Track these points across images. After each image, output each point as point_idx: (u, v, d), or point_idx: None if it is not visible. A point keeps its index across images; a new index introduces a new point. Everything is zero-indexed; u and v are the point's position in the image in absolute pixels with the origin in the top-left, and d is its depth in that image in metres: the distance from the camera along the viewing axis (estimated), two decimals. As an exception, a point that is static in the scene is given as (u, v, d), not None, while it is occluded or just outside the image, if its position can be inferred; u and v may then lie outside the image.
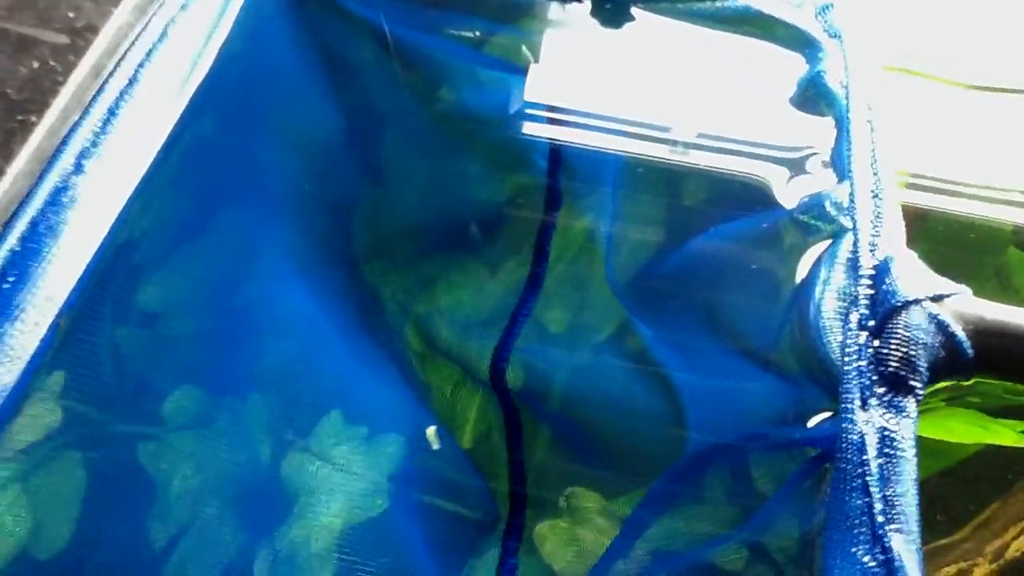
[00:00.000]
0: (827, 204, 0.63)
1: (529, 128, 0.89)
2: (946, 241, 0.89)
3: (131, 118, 0.60)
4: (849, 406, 0.49)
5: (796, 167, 0.78)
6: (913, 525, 0.45)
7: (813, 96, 0.72)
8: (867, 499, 0.46)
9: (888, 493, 0.46)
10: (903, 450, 0.47)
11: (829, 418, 0.59)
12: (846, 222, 0.61)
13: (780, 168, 0.79)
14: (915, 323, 0.49)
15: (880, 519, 0.45)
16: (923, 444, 0.48)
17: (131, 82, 0.61)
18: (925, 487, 0.46)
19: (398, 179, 0.89)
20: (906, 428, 0.48)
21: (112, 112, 0.59)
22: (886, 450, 0.47)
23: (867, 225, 0.56)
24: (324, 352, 0.82)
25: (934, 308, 0.50)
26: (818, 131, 0.72)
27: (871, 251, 0.54)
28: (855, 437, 0.48)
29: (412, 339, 0.90)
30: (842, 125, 0.65)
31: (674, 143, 0.84)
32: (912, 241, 0.55)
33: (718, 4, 0.75)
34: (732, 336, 0.78)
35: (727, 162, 0.82)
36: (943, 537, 0.90)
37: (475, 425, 0.88)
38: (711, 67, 0.81)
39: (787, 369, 0.67)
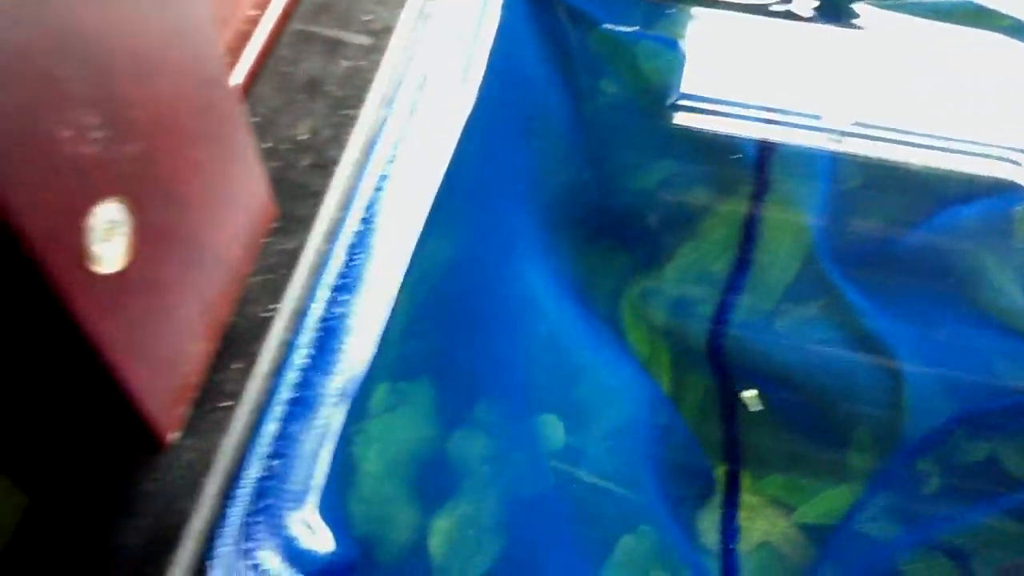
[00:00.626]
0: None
1: (739, 123, 0.92)
2: None
3: (427, 109, 0.66)
4: None
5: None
6: None
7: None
8: None
9: None
10: None
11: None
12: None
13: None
14: None
15: None
16: None
17: (424, 78, 0.67)
18: None
19: (618, 165, 0.93)
20: None
21: (413, 105, 0.65)
22: None
23: None
24: (534, 332, 0.86)
25: None
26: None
27: None
28: None
29: (628, 317, 0.94)
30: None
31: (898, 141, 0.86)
32: None
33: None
34: (996, 311, 0.80)
35: (953, 160, 0.84)
36: None
37: (692, 399, 0.92)
38: (937, 61, 0.83)
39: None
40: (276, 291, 0.51)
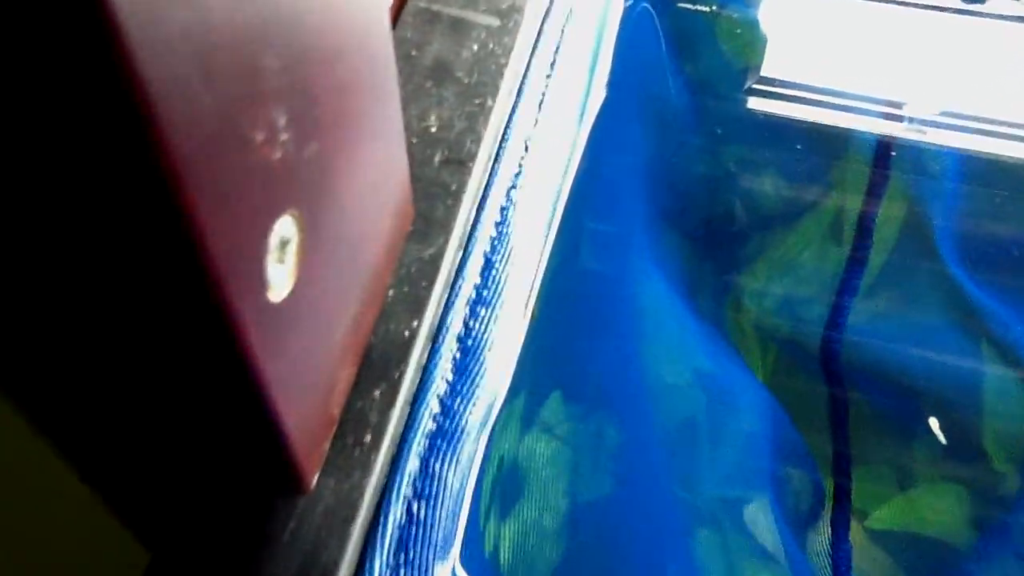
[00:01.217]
0: None
1: (847, 117, 0.86)
2: None
3: (557, 98, 0.60)
4: None
5: None
6: None
7: None
8: None
9: None
10: None
11: None
12: None
13: None
14: None
15: None
16: None
17: (552, 65, 0.60)
18: None
19: (723, 157, 0.87)
20: None
21: (542, 94, 0.58)
22: None
23: None
24: (641, 329, 0.80)
25: None
26: None
27: None
28: None
29: (734, 317, 0.88)
30: None
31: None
32: None
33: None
34: None
35: None
36: None
37: (799, 410, 0.86)
38: None
39: None
40: (417, 306, 0.45)
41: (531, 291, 0.53)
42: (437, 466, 0.43)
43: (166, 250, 0.24)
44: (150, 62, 0.19)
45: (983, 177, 0.83)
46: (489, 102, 0.54)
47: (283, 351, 0.31)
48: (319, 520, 0.39)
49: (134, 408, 0.33)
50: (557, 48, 0.60)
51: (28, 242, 0.25)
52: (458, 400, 0.45)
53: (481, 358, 0.47)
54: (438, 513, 0.42)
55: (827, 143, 0.89)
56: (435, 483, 0.42)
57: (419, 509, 0.42)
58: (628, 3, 0.71)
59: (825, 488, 0.86)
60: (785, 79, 0.90)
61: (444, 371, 0.45)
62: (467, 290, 0.48)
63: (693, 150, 0.84)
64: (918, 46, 0.85)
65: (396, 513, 0.41)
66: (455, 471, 0.43)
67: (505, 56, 0.57)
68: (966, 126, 0.84)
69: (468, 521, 0.45)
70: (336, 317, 0.37)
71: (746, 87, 0.90)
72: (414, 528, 0.41)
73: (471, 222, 0.50)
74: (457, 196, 0.50)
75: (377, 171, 0.39)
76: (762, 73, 0.92)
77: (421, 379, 0.44)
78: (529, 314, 0.52)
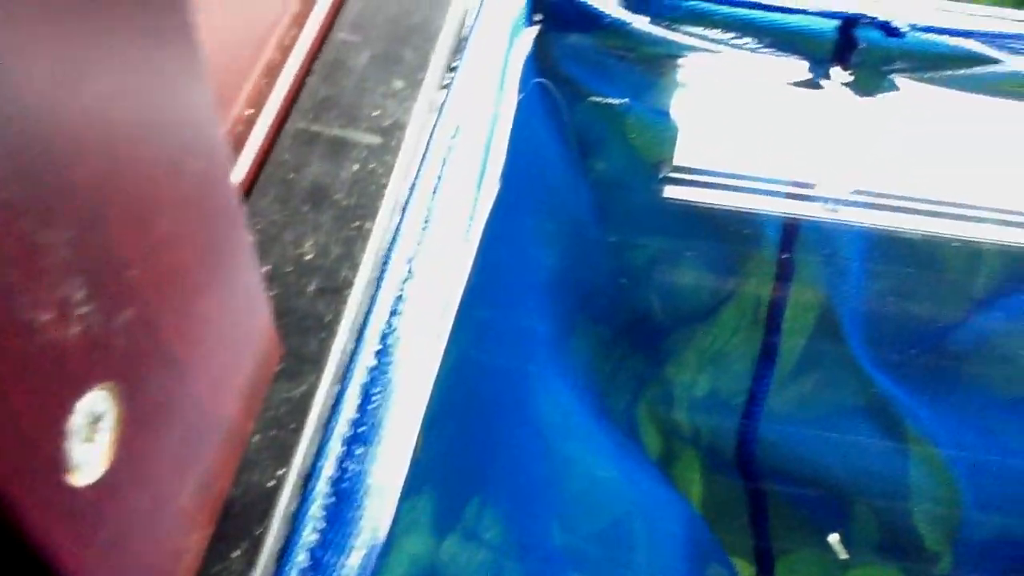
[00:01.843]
0: None
1: (761, 200, 0.86)
2: None
3: (442, 215, 0.58)
4: None
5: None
6: None
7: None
8: None
9: None
10: None
11: None
12: None
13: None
14: None
15: None
16: None
17: (439, 179, 0.59)
18: None
19: (631, 256, 0.86)
20: None
21: (428, 211, 0.57)
22: None
23: None
24: (558, 439, 0.79)
25: None
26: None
27: None
28: None
29: (646, 421, 0.86)
30: None
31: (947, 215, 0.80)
32: None
33: (991, 70, 0.71)
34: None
35: (1000, 233, 0.78)
36: None
37: (719, 505, 0.84)
38: (982, 134, 0.78)
39: None
40: (283, 452, 0.42)
41: (419, 421, 0.51)
42: (306, 630, 0.39)
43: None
44: None
45: (888, 255, 0.84)
46: (368, 224, 0.53)
47: (96, 537, 0.28)
48: None
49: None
50: (444, 162, 0.59)
51: None
52: (330, 552, 0.42)
53: (358, 501, 0.44)
54: None
55: (738, 230, 0.89)
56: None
57: None
58: (528, 98, 0.71)
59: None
60: (697, 167, 0.90)
61: (315, 520, 0.42)
62: (342, 428, 0.45)
63: (602, 244, 0.84)
64: (827, 126, 0.86)
65: None
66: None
67: (387, 175, 0.55)
68: (876, 203, 0.85)
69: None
70: (175, 484, 0.34)
71: (660, 176, 0.90)
72: None
73: (348, 353, 0.48)
74: (331, 328, 0.47)
75: (225, 319, 0.36)
76: (675, 163, 0.93)
77: (289, 532, 0.41)
78: (413, 447, 0.49)
